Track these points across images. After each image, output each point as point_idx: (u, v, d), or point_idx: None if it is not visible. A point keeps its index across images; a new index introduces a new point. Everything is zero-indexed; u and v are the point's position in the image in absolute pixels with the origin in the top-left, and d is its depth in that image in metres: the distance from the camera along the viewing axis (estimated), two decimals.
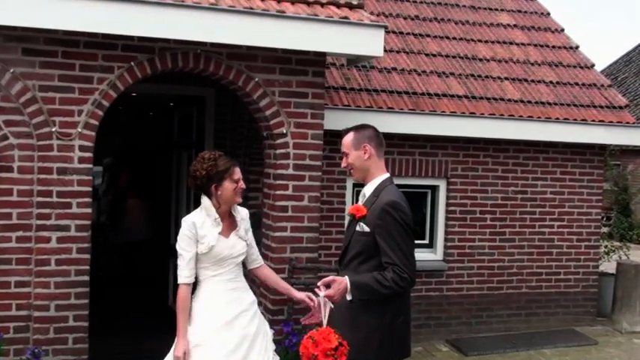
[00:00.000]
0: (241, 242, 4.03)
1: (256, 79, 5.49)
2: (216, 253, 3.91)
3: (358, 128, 3.84)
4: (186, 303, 3.92)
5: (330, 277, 3.67)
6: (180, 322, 3.91)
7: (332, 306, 3.62)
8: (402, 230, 3.56)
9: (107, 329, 6.30)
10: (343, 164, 3.86)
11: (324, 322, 3.65)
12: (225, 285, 3.96)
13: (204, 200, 3.96)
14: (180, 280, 3.94)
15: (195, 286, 4.01)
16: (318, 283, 3.66)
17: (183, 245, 3.90)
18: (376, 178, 3.75)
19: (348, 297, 3.59)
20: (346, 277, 3.62)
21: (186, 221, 3.93)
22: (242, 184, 3.98)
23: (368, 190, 3.76)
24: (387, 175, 3.79)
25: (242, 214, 4.12)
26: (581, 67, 8.48)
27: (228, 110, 7.03)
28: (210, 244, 3.89)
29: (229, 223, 4.02)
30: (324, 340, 3.50)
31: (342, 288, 3.57)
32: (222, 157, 3.98)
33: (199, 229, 3.89)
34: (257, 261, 4.18)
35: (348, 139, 3.79)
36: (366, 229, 3.63)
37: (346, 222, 4.97)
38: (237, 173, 3.96)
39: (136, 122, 10.74)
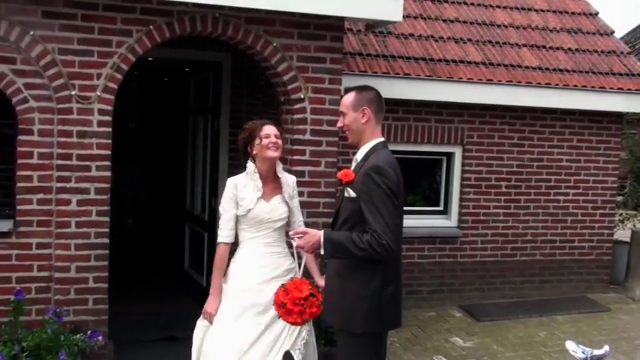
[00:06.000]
0: (283, 207, 4.08)
1: (274, 44, 5.47)
2: (254, 215, 3.97)
3: (361, 89, 3.69)
4: (223, 263, 3.99)
5: (304, 229, 3.69)
6: (215, 279, 4.00)
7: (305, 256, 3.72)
8: (383, 196, 3.40)
9: (124, 291, 6.39)
10: (339, 124, 3.75)
11: (300, 272, 3.71)
12: (263, 249, 4.00)
13: (249, 164, 4.06)
14: (219, 239, 4.03)
15: (235, 247, 4.09)
16: (290, 233, 3.65)
17: (224, 205, 4.01)
18: (369, 142, 3.63)
19: (321, 251, 3.52)
20: (322, 231, 3.56)
21: (230, 182, 4.04)
22: (272, 139, 4.00)
23: (359, 154, 3.66)
24: (381, 139, 3.66)
25: (288, 179, 4.18)
26: (601, 34, 8.39)
27: (245, 75, 7.01)
28: (247, 207, 3.96)
29: (273, 187, 4.08)
30: (295, 289, 3.53)
31: (315, 241, 3.50)
32: (255, 121, 4.12)
33: (240, 191, 3.97)
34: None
35: (349, 99, 3.66)
36: (353, 194, 3.52)
37: None
38: (265, 130, 4.02)
39: (150, 87, 10.73)
